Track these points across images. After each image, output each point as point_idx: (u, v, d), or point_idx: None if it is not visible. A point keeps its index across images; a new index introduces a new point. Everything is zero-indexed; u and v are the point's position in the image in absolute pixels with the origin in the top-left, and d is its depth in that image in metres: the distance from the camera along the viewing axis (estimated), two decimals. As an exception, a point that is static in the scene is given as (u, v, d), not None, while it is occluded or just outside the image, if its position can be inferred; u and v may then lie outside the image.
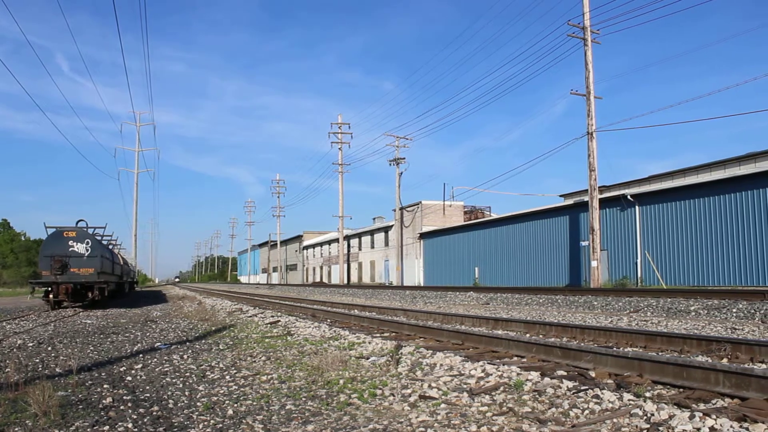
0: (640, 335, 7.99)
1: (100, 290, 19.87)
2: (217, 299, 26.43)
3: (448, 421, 4.14)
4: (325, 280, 77.26)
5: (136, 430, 4.20)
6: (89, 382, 6.03)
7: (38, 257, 19.99)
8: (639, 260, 29.38)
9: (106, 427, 4.22)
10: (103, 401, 5.06)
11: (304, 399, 5.09)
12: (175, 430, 4.22)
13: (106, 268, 21.22)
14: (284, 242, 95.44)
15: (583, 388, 4.76)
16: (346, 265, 66.39)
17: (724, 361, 6.44)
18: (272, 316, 13.94)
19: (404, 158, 51.92)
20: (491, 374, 5.48)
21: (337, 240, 66.57)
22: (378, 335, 9.96)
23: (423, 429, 3.99)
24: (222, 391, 5.52)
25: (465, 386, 5.18)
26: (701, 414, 3.82)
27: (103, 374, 6.56)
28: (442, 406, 4.59)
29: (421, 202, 54.25)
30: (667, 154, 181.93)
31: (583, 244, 32.02)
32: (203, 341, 9.70)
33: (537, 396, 4.67)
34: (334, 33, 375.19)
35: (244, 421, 4.39)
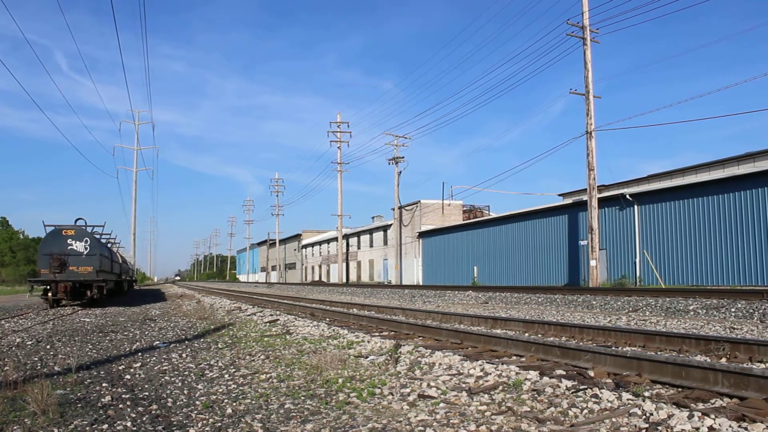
0: (639, 335, 7.99)
1: (98, 289, 19.86)
2: (215, 298, 26.43)
3: (447, 421, 4.14)
4: (324, 278, 77.26)
5: (134, 428, 4.20)
6: (88, 380, 6.03)
7: (37, 255, 19.98)
8: (638, 259, 29.40)
9: (105, 426, 4.22)
10: (102, 400, 5.06)
11: (303, 398, 5.08)
12: (174, 428, 4.22)
13: (104, 267, 21.21)
14: (283, 241, 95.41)
15: (581, 387, 4.77)
16: (344, 264, 66.42)
17: (723, 360, 6.45)
18: (271, 315, 13.94)
19: (403, 157, 51.92)
20: (490, 373, 5.48)
21: (336, 239, 66.57)
22: (377, 334, 9.96)
23: (422, 428, 3.99)
24: (221, 390, 5.52)
25: (464, 385, 5.18)
26: (700, 413, 3.82)
27: (101, 373, 6.56)
28: (441, 405, 4.59)
29: (420, 201, 54.26)
30: (666, 154, 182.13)
31: (582, 243, 32.03)
32: (202, 340, 9.69)
33: (536, 395, 4.67)
34: (333, 32, 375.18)
35: (243, 419, 4.39)
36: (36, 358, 7.68)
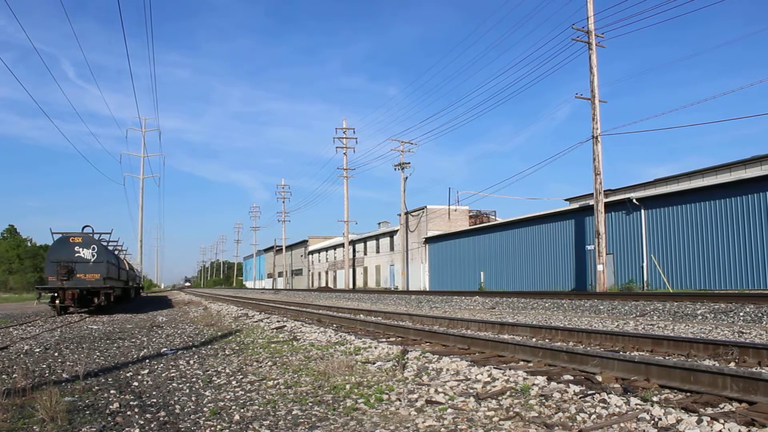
0: (647, 339, 7.96)
1: (106, 296, 19.93)
2: (222, 304, 26.46)
3: (455, 426, 4.13)
4: (330, 284, 77.29)
5: (143, 435, 4.20)
6: (96, 387, 6.04)
7: (44, 263, 20.06)
8: (645, 264, 29.29)
9: (114, 433, 4.23)
10: (110, 407, 5.07)
11: (310, 404, 5.08)
12: (182, 435, 4.22)
13: (112, 274, 21.29)
14: (289, 247, 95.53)
15: (589, 392, 4.75)
16: (351, 270, 66.41)
17: (732, 365, 6.41)
18: (278, 321, 13.95)
19: (409, 163, 52.06)
20: (498, 379, 5.47)
21: (342, 245, 66.60)
22: (384, 340, 9.96)
23: (429, 434, 3.98)
24: (228, 397, 5.52)
25: (471, 391, 5.17)
26: (709, 418, 3.80)
27: (109, 379, 6.58)
28: (449, 410, 4.59)
29: (426, 207, 54.28)
30: (672, 158, 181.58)
31: (589, 248, 31.95)
32: (209, 346, 9.71)
33: (544, 400, 4.66)
34: (338, 38, 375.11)
35: (250, 426, 4.40)
36: (44, 366, 7.71)
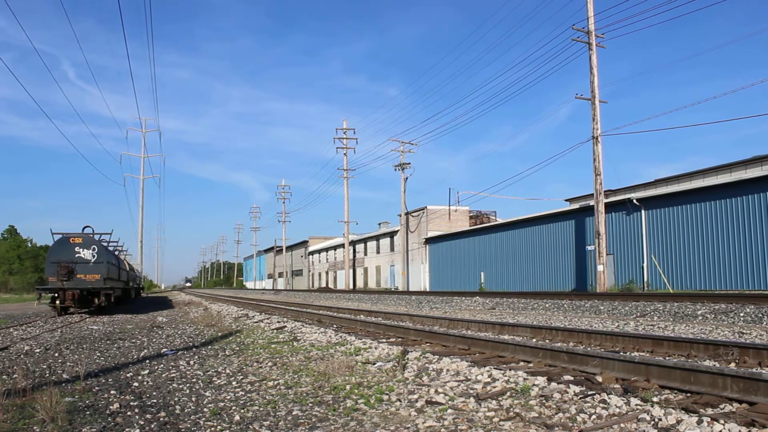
0: (647, 340, 7.96)
1: (106, 296, 19.93)
2: (222, 305, 26.46)
3: (455, 427, 4.13)
4: (330, 285, 77.29)
5: (143, 435, 4.20)
6: (96, 387, 6.05)
7: (45, 263, 20.05)
8: (645, 264, 29.28)
9: (114, 433, 4.23)
10: (111, 407, 5.07)
11: (310, 404, 5.09)
12: (182, 435, 4.22)
13: (112, 274, 21.29)
14: (290, 248, 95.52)
15: (590, 393, 4.75)
16: (351, 271, 66.41)
17: (732, 365, 6.41)
18: (278, 322, 13.95)
19: (409, 163, 52.05)
20: (498, 379, 5.47)
21: (342, 245, 66.63)
22: (384, 340, 9.96)
23: (430, 434, 3.98)
24: (229, 397, 5.52)
25: (472, 391, 5.17)
26: (709, 419, 3.80)
27: (110, 380, 6.58)
28: (449, 411, 4.59)
29: (426, 207, 54.29)
30: (672, 158, 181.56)
31: (589, 248, 31.95)
32: (209, 347, 9.71)
33: (544, 401, 4.66)
34: (338, 39, 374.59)
35: (251, 426, 4.40)
36: (44, 366, 7.72)
